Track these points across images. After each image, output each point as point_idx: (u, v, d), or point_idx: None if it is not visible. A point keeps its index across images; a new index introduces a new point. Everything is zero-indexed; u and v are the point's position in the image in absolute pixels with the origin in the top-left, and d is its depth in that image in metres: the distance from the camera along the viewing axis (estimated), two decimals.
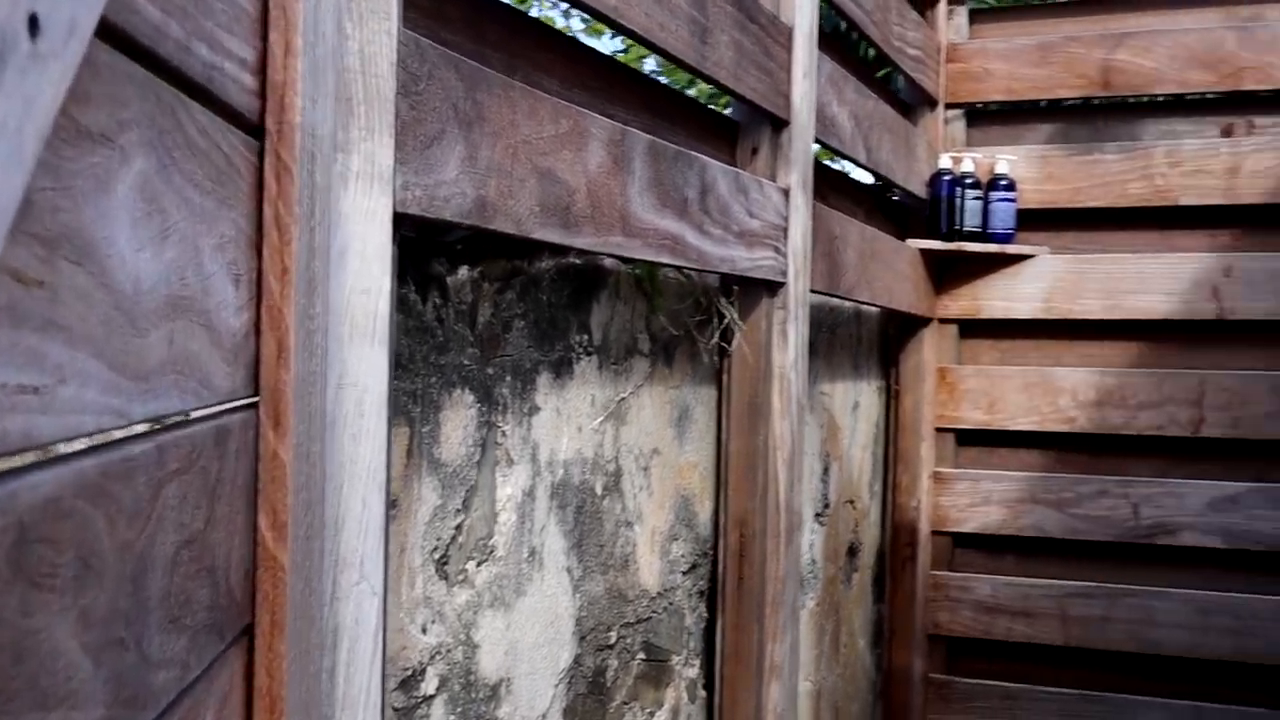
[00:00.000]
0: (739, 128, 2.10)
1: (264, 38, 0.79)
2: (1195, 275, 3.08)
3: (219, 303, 0.70)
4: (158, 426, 0.60)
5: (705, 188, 1.77)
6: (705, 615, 2.13)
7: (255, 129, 0.79)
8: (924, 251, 3.12)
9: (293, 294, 0.79)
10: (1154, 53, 3.13)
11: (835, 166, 3.41)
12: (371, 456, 1.04)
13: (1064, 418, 3.18)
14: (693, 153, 1.74)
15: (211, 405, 0.69)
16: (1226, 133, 3.14)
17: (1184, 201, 3.11)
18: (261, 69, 0.79)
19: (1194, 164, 3.10)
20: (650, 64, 6.39)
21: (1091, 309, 3.17)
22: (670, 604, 2.01)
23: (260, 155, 0.79)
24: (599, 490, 1.77)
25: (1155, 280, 3.11)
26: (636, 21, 1.53)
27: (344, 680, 1.01)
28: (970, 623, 3.26)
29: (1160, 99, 3.22)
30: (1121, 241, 3.20)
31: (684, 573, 2.05)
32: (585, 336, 1.72)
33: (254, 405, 0.78)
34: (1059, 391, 3.18)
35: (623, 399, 1.83)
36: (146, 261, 0.58)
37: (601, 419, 1.77)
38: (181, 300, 0.63)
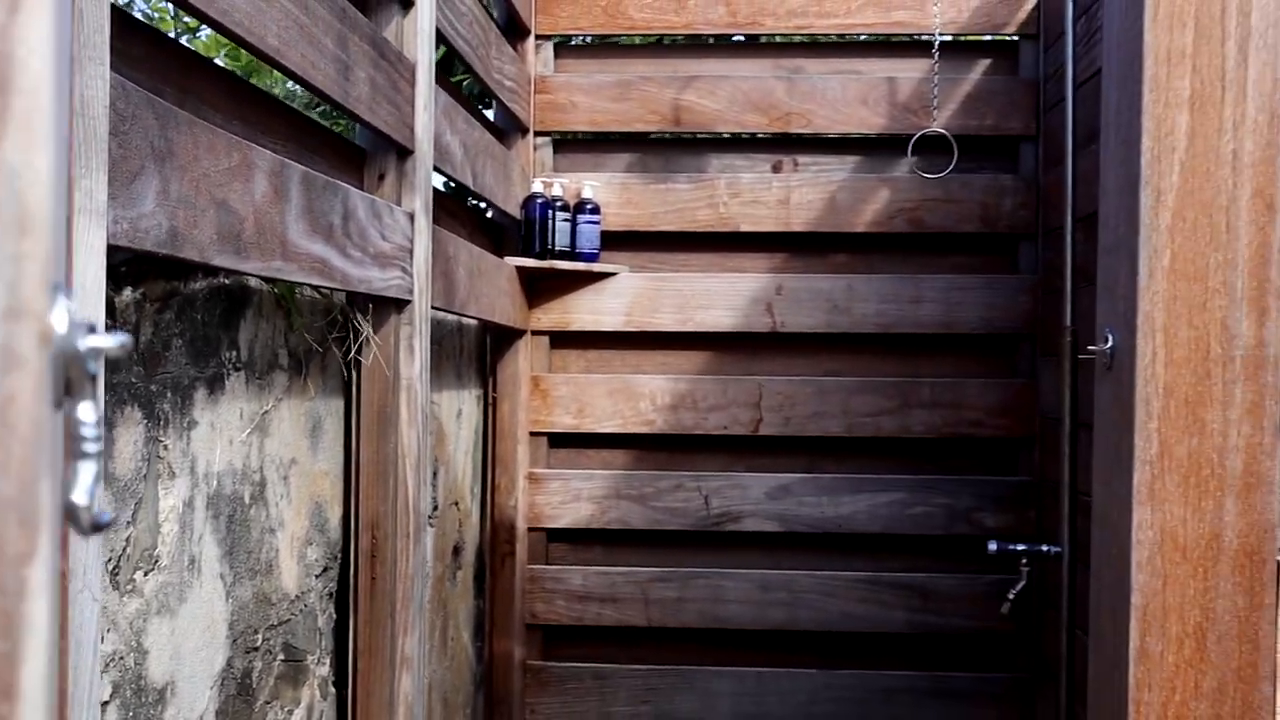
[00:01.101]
0: (367, 155, 2.23)
1: None
2: (753, 293, 3.51)
3: None
4: None
5: (348, 214, 1.90)
6: (335, 615, 2.24)
7: None
8: (520, 268, 3.36)
9: None
10: (717, 95, 3.53)
11: (442, 188, 3.59)
12: None
13: (645, 420, 3.52)
14: (338, 182, 1.87)
15: None
16: (776, 169, 3.60)
17: (743, 228, 3.53)
18: None
19: (751, 195, 3.53)
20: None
21: (667, 322, 3.53)
22: (306, 606, 2.11)
23: None
24: (247, 499, 1.86)
25: (720, 297, 3.52)
26: (294, 61, 1.64)
27: (72, 684, 1.08)
28: (564, 611, 3.53)
29: (722, 136, 3.63)
30: (693, 262, 3.59)
31: (317, 576, 2.16)
32: (234, 353, 1.81)
33: None
34: (640, 397, 3.51)
35: (266, 412, 1.93)
36: None
37: (249, 431, 1.86)
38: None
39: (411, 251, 2.23)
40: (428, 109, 2.29)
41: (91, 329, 0.65)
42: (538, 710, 3.55)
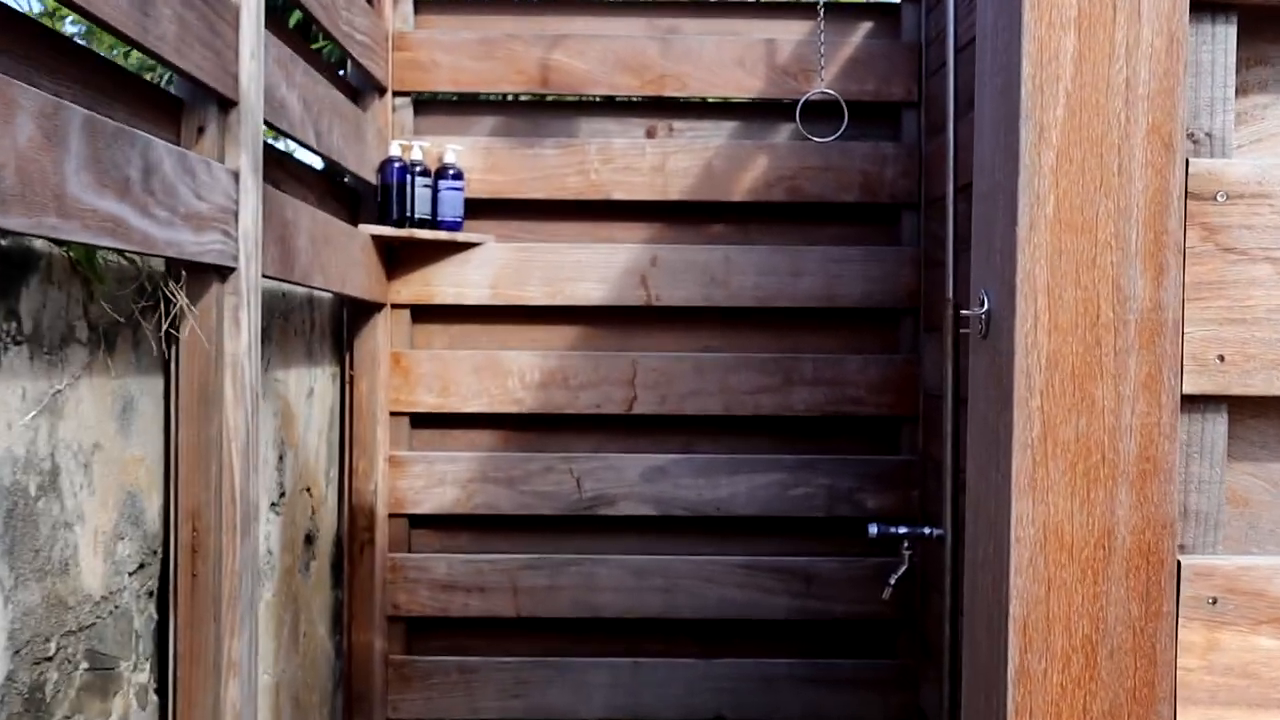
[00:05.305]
0: (184, 105, 2.00)
1: None
2: (626, 264, 3.34)
3: None
4: None
5: (149, 167, 1.67)
6: (155, 616, 2.02)
7: None
8: (376, 237, 3.14)
9: None
10: (587, 55, 3.34)
11: (284, 149, 3.34)
12: None
13: (512, 399, 3.33)
14: (135, 130, 1.65)
15: None
16: (650, 134, 3.42)
17: (616, 196, 3.35)
18: None
19: (623, 161, 3.35)
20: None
21: (535, 295, 3.34)
22: (116, 607, 1.89)
23: None
24: (33, 490, 1.63)
25: (592, 269, 3.34)
26: None
27: None
28: (428, 601, 3.33)
29: (593, 99, 3.45)
30: (563, 232, 3.40)
31: (131, 573, 1.94)
32: (14, 324, 1.58)
33: None
34: (507, 374, 3.32)
35: (59, 391, 1.70)
36: None
37: (34, 414, 1.63)
38: None
39: (236, 213, 2.01)
40: (255, 57, 2.07)
41: None
42: (400, 707, 3.34)
